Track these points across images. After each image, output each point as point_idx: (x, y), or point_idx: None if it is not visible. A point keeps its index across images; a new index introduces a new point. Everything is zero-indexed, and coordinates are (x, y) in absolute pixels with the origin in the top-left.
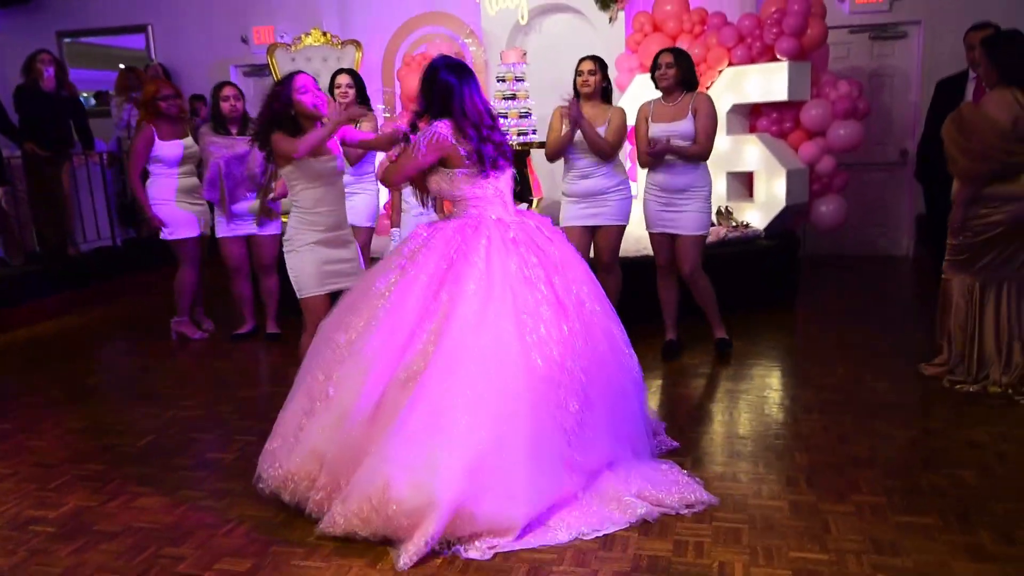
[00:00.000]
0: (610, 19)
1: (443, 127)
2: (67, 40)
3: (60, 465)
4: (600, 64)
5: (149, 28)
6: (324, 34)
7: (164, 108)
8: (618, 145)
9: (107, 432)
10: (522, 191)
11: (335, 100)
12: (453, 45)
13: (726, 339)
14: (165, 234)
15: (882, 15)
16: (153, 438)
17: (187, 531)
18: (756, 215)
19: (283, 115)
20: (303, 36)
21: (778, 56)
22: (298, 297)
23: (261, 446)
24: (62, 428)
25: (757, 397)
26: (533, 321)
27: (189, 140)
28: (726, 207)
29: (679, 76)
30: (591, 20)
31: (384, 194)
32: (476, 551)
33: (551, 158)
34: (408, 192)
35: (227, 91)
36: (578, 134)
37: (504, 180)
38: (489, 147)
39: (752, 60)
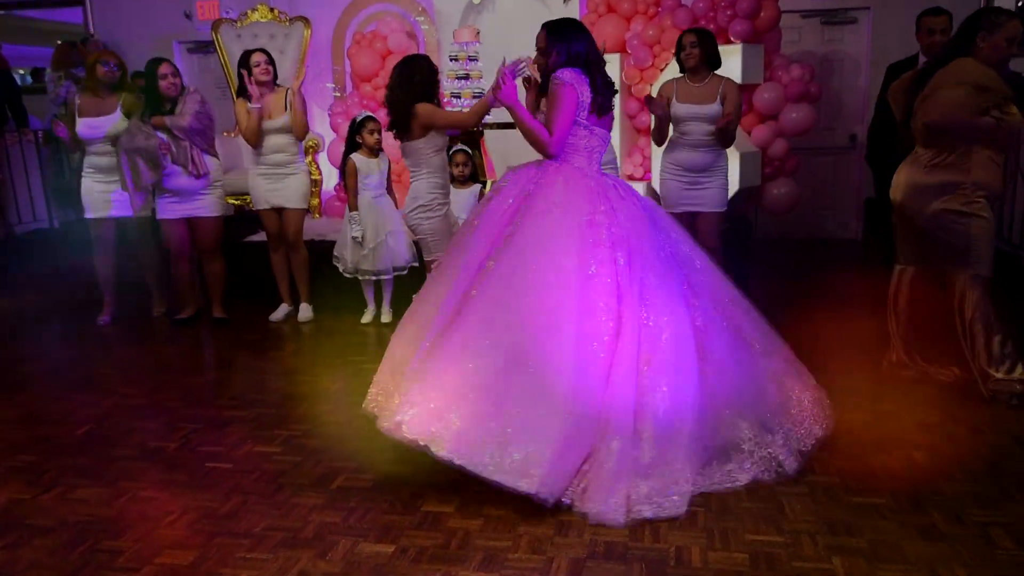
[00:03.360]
0: (564, 0)
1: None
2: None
3: None
4: None
5: (87, 1)
6: (271, 10)
7: (102, 73)
8: None
9: (42, 422)
10: (474, 172)
11: (252, 78)
12: (405, 23)
13: None
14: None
15: (833, 0)
16: (92, 427)
17: (127, 524)
18: None
19: (427, 88)
20: (249, 12)
21: (732, 39)
22: (427, 259)
23: (206, 434)
24: None
25: None
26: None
27: (108, 119)
28: None
29: (703, 56)
30: (545, 0)
31: (334, 176)
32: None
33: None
34: (365, 173)
35: (164, 68)
36: None
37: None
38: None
39: None
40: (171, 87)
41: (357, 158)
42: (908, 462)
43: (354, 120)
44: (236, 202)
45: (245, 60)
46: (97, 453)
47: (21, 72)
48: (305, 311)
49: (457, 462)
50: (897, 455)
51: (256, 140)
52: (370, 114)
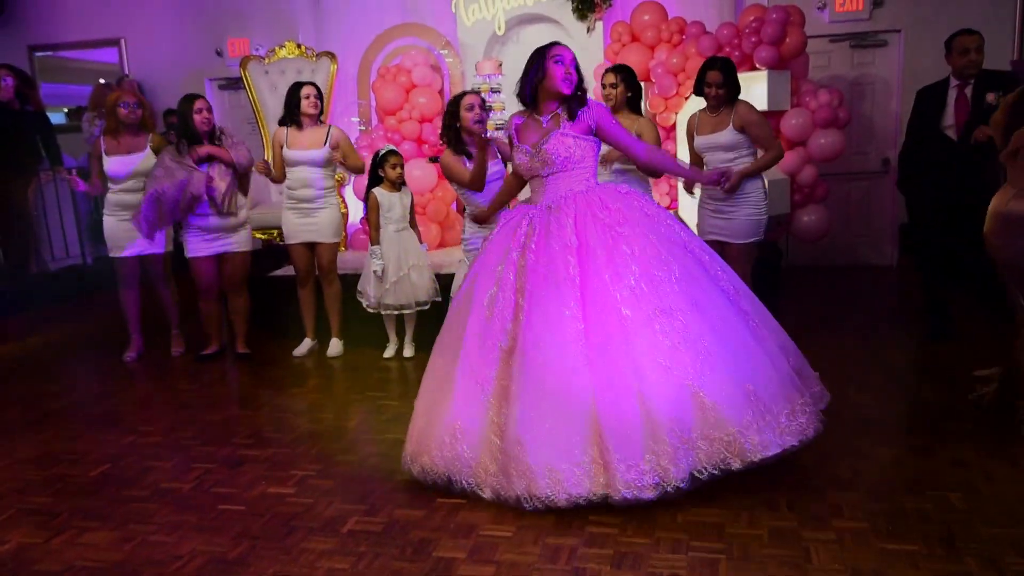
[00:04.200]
0: (588, 29)
1: None
2: (39, 54)
3: (6, 497)
4: (624, 74)
5: (122, 42)
6: (299, 46)
7: (123, 115)
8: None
9: (60, 461)
10: None
11: (300, 112)
12: (429, 56)
13: None
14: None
15: (862, 24)
16: (108, 467)
17: (133, 569)
18: None
19: (451, 128)
20: (277, 49)
21: (757, 65)
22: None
23: (220, 474)
24: (12, 458)
25: None
26: None
27: (138, 156)
28: None
29: (728, 93)
30: (569, 30)
31: (360, 209)
32: None
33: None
34: (387, 207)
35: (199, 104)
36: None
37: None
38: None
39: None
40: (205, 122)
41: (379, 192)
42: (941, 503)
43: (377, 154)
44: (263, 236)
45: (296, 91)
46: (110, 494)
47: (66, 110)
48: (335, 346)
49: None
50: (931, 496)
51: (280, 178)
52: (393, 148)
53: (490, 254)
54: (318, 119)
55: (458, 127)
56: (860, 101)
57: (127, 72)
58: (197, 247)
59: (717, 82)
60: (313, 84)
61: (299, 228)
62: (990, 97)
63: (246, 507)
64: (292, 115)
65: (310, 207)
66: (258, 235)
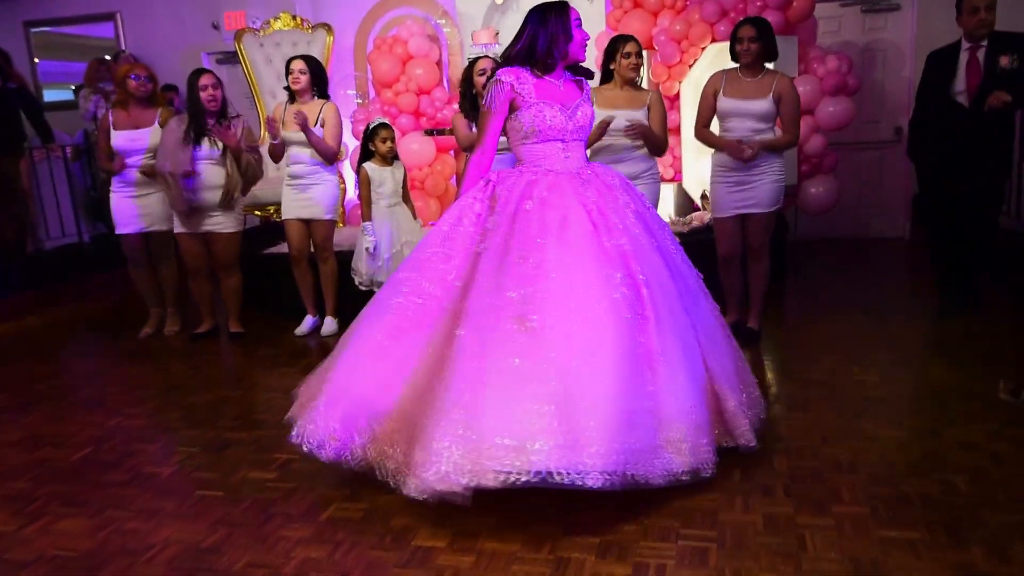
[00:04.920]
0: None
1: None
2: (35, 30)
3: None
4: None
5: (118, 16)
6: (294, 18)
7: (133, 87)
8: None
9: (43, 444)
10: None
11: (289, 86)
12: (426, 27)
13: (755, 330)
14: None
15: None
16: (90, 450)
17: (105, 558)
18: None
19: (467, 95)
20: (272, 21)
21: None
22: None
23: (203, 458)
24: None
25: None
26: None
27: (147, 131)
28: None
29: (762, 49)
30: None
31: (352, 186)
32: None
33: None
34: (378, 182)
35: (204, 80)
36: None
37: None
38: None
39: None
40: (211, 99)
41: (369, 167)
42: (946, 487)
43: (367, 127)
44: (260, 214)
45: (286, 67)
46: (90, 479)
47: (73, 88)
48: (330, 325)
49: None
50: (934, 479)
51: (278, 162)
52: (384, 121)
53: (551, 215)
54: (312, 94)
55: (474, 93)
56: (872, 68)
57: (123, 47)
58: (181, 223)
59: (750, 36)
60: (302, 58)
61: (293, 204)
62: (1003, 60)
63: (225, 493)
64: (288, 91)
65: (304, 183)
66: (256, 213)
